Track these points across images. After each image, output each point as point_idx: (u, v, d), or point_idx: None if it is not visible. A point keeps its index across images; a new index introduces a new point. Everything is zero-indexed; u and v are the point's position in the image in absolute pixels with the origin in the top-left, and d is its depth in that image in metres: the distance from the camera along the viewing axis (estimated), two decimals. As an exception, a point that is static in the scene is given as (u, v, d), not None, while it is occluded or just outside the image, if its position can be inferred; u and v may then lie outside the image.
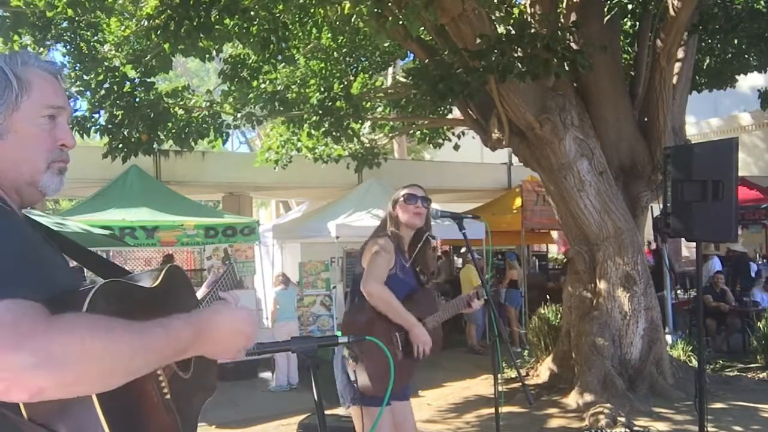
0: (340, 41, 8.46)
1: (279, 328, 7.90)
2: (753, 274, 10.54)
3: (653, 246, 11.12)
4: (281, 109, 8.09)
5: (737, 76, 9.09)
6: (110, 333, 0.97)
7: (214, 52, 6.24)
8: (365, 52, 8.96)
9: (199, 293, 1.62)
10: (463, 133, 9.71)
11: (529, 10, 6.98)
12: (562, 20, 6.64)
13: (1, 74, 1.12)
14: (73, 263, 1.36)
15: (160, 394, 1.18)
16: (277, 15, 6.58)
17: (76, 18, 6.23)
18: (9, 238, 1.01)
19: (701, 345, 4.43)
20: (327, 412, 1.73)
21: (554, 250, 17.30)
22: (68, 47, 6.63)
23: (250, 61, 7.52)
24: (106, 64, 6.81)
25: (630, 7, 7.65)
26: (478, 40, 5.71)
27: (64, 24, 6.40)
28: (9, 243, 1.00)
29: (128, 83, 6.87)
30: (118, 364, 0.97)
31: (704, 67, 8.64)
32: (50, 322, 0.93)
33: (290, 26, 7.22)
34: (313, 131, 8.44)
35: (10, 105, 1.12)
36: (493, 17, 6.41)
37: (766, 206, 10.95)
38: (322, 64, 8.59)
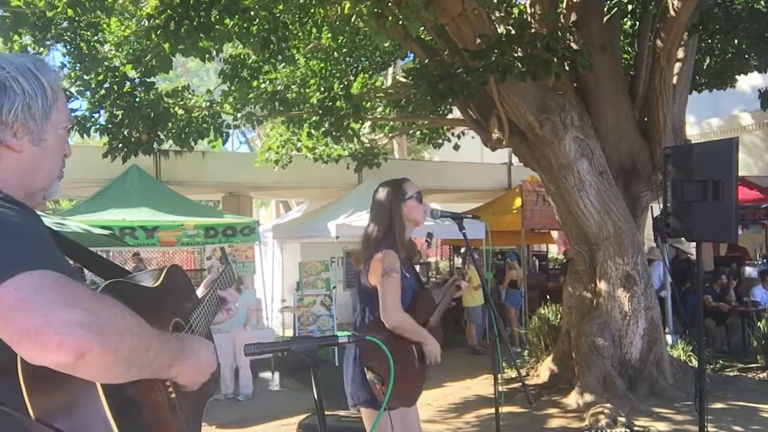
0: (340, 41, 8.46)
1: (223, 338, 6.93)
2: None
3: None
4: (281, 109, 8.09)
5: (737, 76, 9.09)
6: (138, 320, 1.02)
7: (214, 52, 6.24)
8: (365, 52, 8.96)
9: (198, 292, 1.63)
10: (463, 133, 9.71)
11: (529, 10, 6.98)
12: (562, 20, 6.64)
13: (39, 84, 1.14)
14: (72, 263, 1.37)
15: (166, 394, 1.19)
16: (277, 15, 6.58)
17: (76, 18, 6.22)
18: (41, 227, 1.04)
19: (701, 345, 4.43)
20: (327, 412, 1.74)
21: (554, 250, 17.30)
22: (68, 47, 6.62)
23: (250, 61, 7.52)
24: (106, 64, 6.81)
25: (630, 7, 7.65)
26: (478, 40, 5.71)
27: (64, 24, 6.39)
28: (43, 230, 1.04)
29: (128, 83, 6.86)
30: (142, 351, 1.00)
31: (704, 67, 8.64)
32: (97, 294, 1.00)
33: (290, 26, 7.22)
34: (313, 131, 8.44)
35: (45, 114, 1.15)
36: (493, 17, 6.41)
37: (766, 206, 10.95)
38: (322, 64, 8.60)
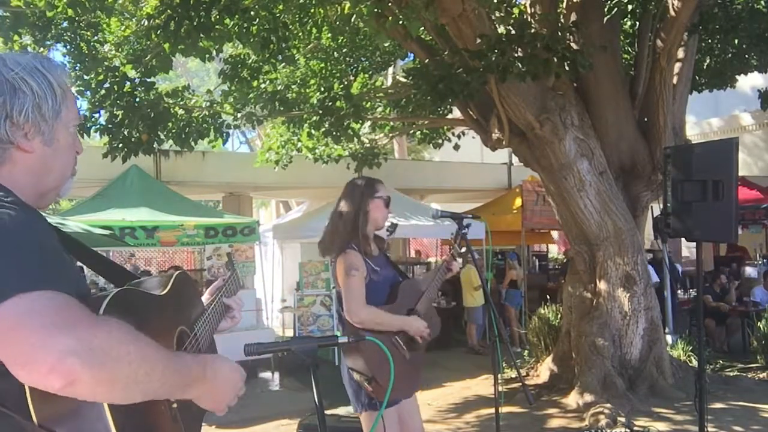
0: (340, 41, 8.46)
1: None
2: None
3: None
4: (281, 109, 8.08)
5: (737, 76, 9.09)
6: (140, 344, 0.99)
7: (214, 52, 6.24)
8: (365, 52, 8.96)
9: (204, 298, 1.63)
10: (463, 133, 9.71)
11: (529, 10, 6.98)
12: (562, 20, 6.64)
13: (47, 84, 1.13)
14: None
15: (167, 403, 1.19)
16: (277, 15, 6.57)
17: (76, 18, 6.22)
18: (43, 234, 1.02)
19: (701, 345, 4.43)
20: (327, 412, 1.74)
21: (554, 250, 17.30)
22: (68, 47, 6.61)
23: (250, 61, 7.52)
24: (106, 64, 6.80)
25: (630, 7, 7.64)
26: (478, 40, 5.71)
27: (64, 24, 6.39)
28: (44, 238, 1.02)
29: (128, 83, 6.86)
30: (142, 377, 0.98)
31: (704, 67, 8.64)
32: (92, 317, 0.96)
33: (290, 26, 7.22)
34: (313, 131, 8.44)
35: (55, 113, 1.15)
36: (493, 17, 6.41)
37: (766, 206, 10.94)
38: (322, 64, 8.59)
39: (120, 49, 7.16)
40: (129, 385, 0.96)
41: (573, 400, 6.39)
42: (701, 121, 16.45)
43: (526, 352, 8.67)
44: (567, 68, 5.87)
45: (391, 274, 3.09)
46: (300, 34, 8.02)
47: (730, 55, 8.42)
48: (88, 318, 0.95)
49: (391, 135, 10.17)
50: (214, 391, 1.17)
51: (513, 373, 7.19)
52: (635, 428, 5.42)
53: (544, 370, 7.45)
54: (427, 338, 2.99)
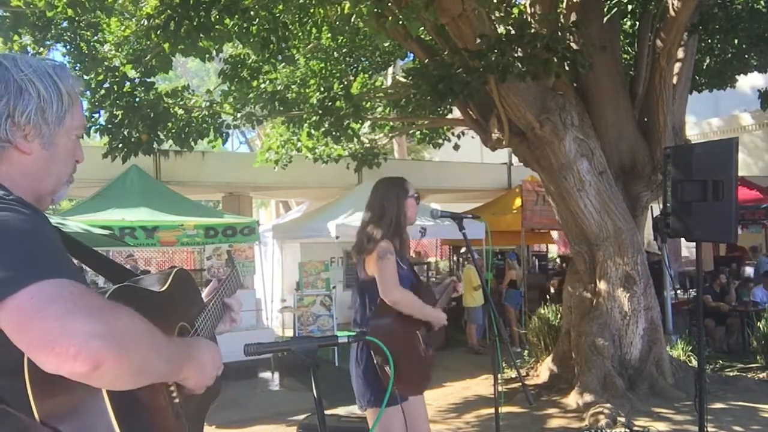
0: (340, 41, 8.45)
1: None
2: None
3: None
4: (281, 109, 8.08)
5: (737, 76, 9.09)
6: (150, 328, 1.02)
7: (214, 52, 6.24)
8: (365, 52, 8.96)
9: (204, 296, 1.63)
10: (463, 133, 9.71)
11: (529, 10, 6.98)
12: (562, 20, 6.64)
13: (55, 89, 1.14)
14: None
15: (169, 399, 1.19)
16: (277, 15, 6.57)
17: (76, 18, 6.22)
18: (49, 230, 1.03)
19: (701, 345, 4.43)
20: (327, 412, 1.74)
21: (554, 250, 17.30)
22: (68, 47, 6.62)
23: (250, 61, 7.52)
24: (106, 64, 6.80)
25: (630, 7, 7.65)
26: (478, 40, 5.71)
27: (64, 24, 6.39)
28: (51, 234, 1.03)
29: (128, 83, 6.86)
30: (153, 362, 1.01)
31: (704, 67, 8.64)
32: (111, 303, 0.99)
33: (290, 26, 7.22)
34: (313, 131, 8.44)
35: (59, 119, 1.16)
36: (493, 17, 6.41)
37: (766, 206, 10.94)
38: (322, 64, 8.59)
39: (120, 49, 7.15)
40: (142, 370, 0.98)
41: (573, 400, 6.40)
42: (701, 121, 16.45)
43: (526, 352, 8.67)
44: (567, 68, 5.87)
45: (411, 274, 3.14)
46: (300, 34, 8.02)
47: (730, 55, 8.43)
48: (107, 303, 0.97)
49: (391, 135, 10.17)
50: (198, 372, 1.20)
51: (513, 373, 7.20)
52: (635, 428, 5.42)
53: (544, 370, 7.45)
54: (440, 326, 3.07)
